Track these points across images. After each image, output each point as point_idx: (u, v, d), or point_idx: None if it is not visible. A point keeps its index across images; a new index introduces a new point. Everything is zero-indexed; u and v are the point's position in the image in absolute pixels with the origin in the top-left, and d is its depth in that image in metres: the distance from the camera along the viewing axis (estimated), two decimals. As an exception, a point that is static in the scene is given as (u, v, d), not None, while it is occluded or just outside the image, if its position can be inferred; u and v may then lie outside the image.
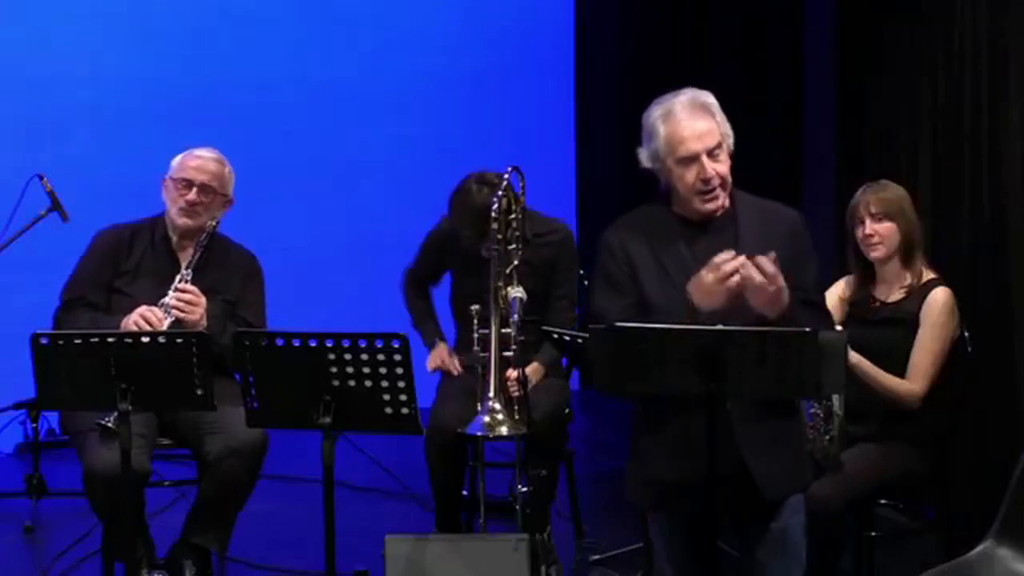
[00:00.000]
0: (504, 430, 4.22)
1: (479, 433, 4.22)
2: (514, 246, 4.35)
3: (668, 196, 3.85)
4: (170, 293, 4.62)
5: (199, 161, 4.83)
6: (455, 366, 5.07)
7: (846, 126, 6.32)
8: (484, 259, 4.46)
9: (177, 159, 4.85)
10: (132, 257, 4.83)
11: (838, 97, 6.42)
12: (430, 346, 5.20)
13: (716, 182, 3.74)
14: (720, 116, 3.78)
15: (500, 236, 4.31)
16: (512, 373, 4.33)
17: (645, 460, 3.84)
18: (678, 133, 3.73)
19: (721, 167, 3.75)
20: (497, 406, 4.16)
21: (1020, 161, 5.05)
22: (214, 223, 4.77)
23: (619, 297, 3.81)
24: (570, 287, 5.09)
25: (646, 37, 8.04)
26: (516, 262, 4.34)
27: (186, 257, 4.79)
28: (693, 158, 3.73)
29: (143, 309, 4.57)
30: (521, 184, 4.42)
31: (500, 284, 4.29)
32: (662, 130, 3.75)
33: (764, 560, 3.84)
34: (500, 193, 4.30)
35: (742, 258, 3.58)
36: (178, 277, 4.66)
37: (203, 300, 4.63)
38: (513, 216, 4.35)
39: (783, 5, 7.28)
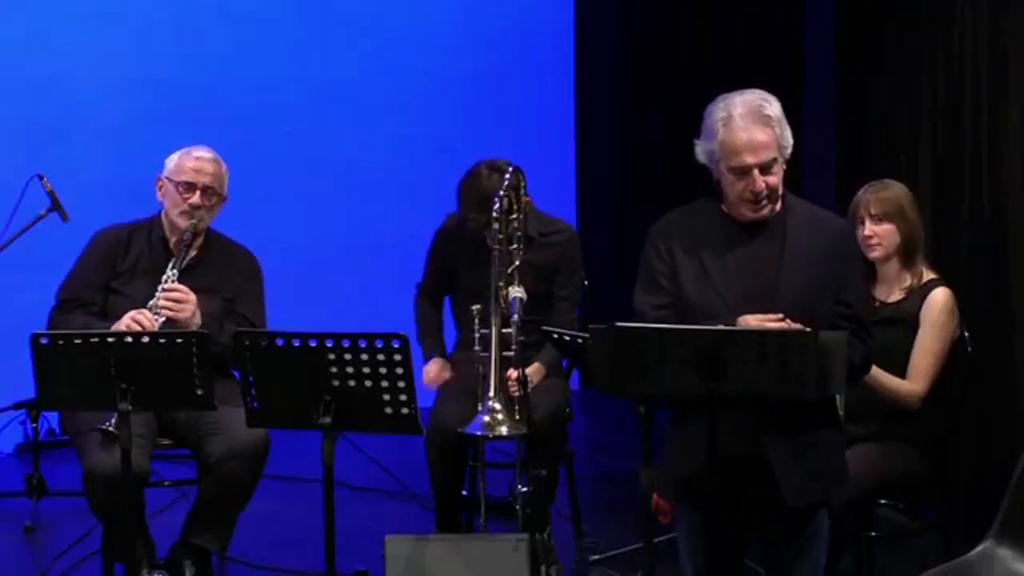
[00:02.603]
0: (504, 430, 4.22)
1: (479, 433, 4.22)
2: (516, 246, 4.35)
3: (720, 189, 3.85)
4: (158, 294, 4.61)
5: (199, 163, 4.81)
6: (445, 375, 5.06)
7: (846, 126, 6.32)
8: (489, 253, 4.47)
9: (174, 159, 4.83)
10: (129, 257, 4.83)
11: (838, 97, 6.42)
12: (426, 359, 5.15)
13: (764, 194, 3.75)
14: (779, 128, 3.77)
15: (501, 236, 4.31)
16: (512, 373, 4.33)
17: (673, 456, 3.85)
18: (734, 143, 3.73)
19: (772, 179, 3.76)
20: (497, 406, 4.16)
21: (1020, 161, 5.05)
22: (203, 223, 4.76)
23: (656, 295, 3.82)
24: (572, 289, 5.08)
25: (646, 37, 8.04)
26: (518, 262, 4.34)
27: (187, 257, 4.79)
28: (745, 170, 3.73)
29: (133, 313, 4.57)
30: (523, 184, 4.42)
31: (501, 284, 4.29)
32: (720, 134, 3.74)
33: (788, 565, 3.84)
34: (502, 193, 4.30)
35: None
36: (164, 277, 4.65)
37: (192, 297, 4.63)
38: (515, 216, 4.35)
39: (783, 5, 7.27)
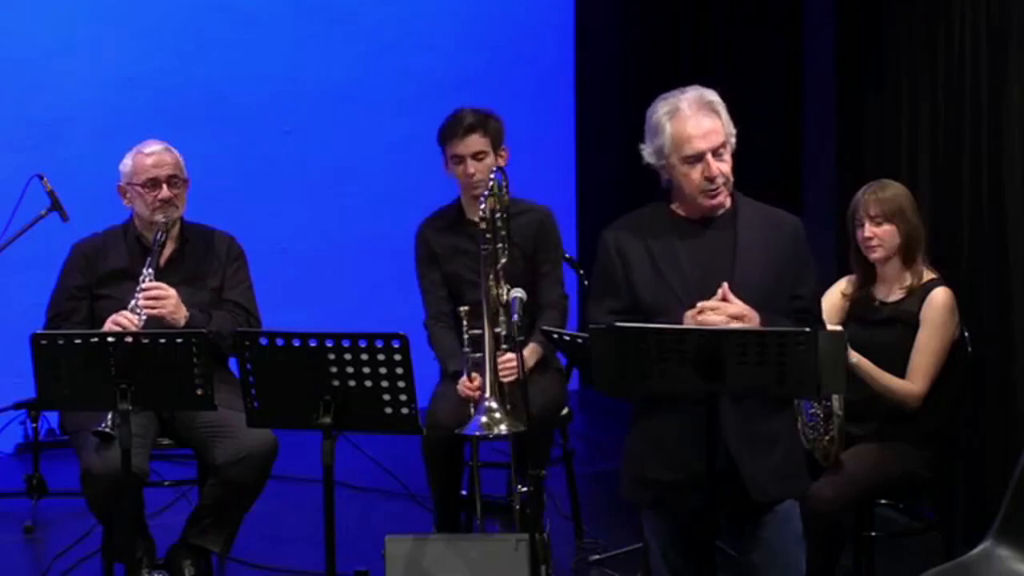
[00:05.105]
0: (503, 428, 4.23)
1: (477, 433, 4.22)
2: (502, 245, 4.37)
3: (669, 194, 3.87)
4: (137, 294, 4.62)
5: (155, 157, 4.82)
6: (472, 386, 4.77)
7: (846, 126, 6.32)
8: (464, 248, 4.51)
9: (128, 163, 4.83)
10: (109, 261, 4.85)
11: (838, 97, 6.42)
12: (455, 378, 4.84)
13: (720, 180, 3.78)
14: (725, 115, 3.81)
15: (489, 236, 4.33)
16: (508, 355, 4.33)
17: (638, 458, 3.86)
18: (684, 131, 3.76)
19: (724, 166, 3.79)
20: (494, 405, 4.17)
21: (1020, 161, 5.05)
22: (164, 219, 4.76)
23: (608, 299, 3.84)
24: (552, 265, 5.02)
25: (646, 38, 8.03)
26: (504, 259, 4.35)
27: (164, 252, 4.81)
28: (699, 157, 3.76)
29: (115, 316, 4.58)
30: (505, 184, 4.44)
31: (492, 284, 4.30)
32: (668, 128, 3.78)
33: (758, 564, 3.86)
34: (487, 193, 4.32)
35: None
36: (141, 277, 4.66)
37: (171, 292, 4.65)
38: (499, 215, 4.37)
39: (783, 5, 7.27)
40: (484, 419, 4.18)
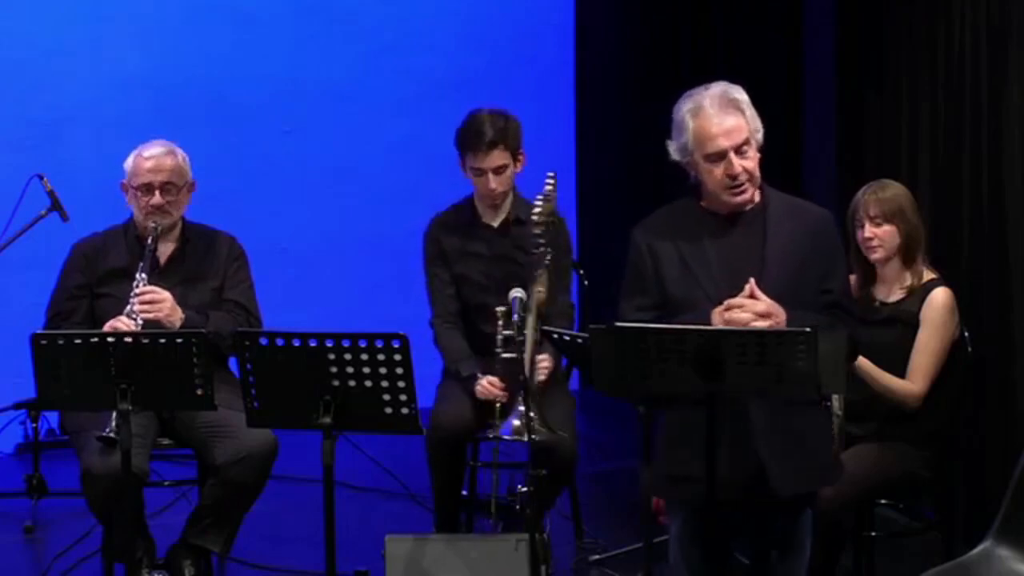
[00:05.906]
0: (536, 436, 4.18)
1: (508, 436, 4.18)
2: (545, 250, 4.33)
3: (698, 189, 3.87)
4: (131, 299, 4.61)
5: (153, 161, 4.78)
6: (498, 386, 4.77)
7: (846, 127, 6.32)
8: (475, 251, 4.48)
9: (129, 162, 4.81)
10: (109, 261, 4.84)
11: (838, 97, 6.42)
12: (469, 381, 4.82)
13: (744, 177, 3.79)
14: (750, 111, 3.81)
15: (543, 240, 4.29)
16: (542, 356, 4.32)
17: (665, 457, 3.85)
18: (707, 129, 3.76)
19: (748, 163, 3.79)
20: (532, 413, 4.11)
21: (1020, 160, 5.05)
22: (155, 224, 4.74)
23: (637, 296, 3.84)
24: (561, 274, 5.02)
25: (646, 38, 8.03)
26: (547, 261, 4.31)
27: (165, 252, 4.82)
28: (721, 155, 3.76)
29: (112, 321, 4.58)
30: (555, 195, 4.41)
31: (540, 288, 4.26)
32: (691, 125, 3.79)
33: (774, 564, 3.86)
34: (541, 198, 4.27)
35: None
36: (135, 282, 4.64)
37: (166, 295, 4.64)
38: (551, 220, 4.33)
39: (783, 5, 7.27)
40: (517, 423, 4.12)
